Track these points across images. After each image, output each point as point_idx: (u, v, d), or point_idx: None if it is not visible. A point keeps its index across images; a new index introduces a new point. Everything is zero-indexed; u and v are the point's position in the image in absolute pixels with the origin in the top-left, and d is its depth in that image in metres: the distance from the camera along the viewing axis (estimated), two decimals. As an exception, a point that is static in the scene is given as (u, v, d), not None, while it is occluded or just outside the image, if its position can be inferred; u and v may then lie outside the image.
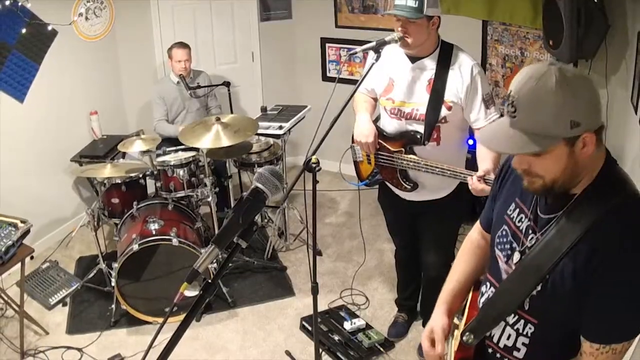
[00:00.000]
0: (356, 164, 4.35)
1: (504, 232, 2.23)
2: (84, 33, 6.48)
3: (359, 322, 4.95)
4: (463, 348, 2.25)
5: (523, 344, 2.13)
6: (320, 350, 4.54)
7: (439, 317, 2.40)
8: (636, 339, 2.05)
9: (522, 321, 2.11)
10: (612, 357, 1.92)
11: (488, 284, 2.30)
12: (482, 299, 2.32)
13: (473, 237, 2.65)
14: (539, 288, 2.00)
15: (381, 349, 4.72)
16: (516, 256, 2.12)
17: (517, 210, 2.18)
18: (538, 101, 1.78)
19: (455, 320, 2.43)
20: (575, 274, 1.90)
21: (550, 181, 1.90)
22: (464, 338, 2.20)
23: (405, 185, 4.06)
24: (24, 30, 5.69)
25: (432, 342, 2.36)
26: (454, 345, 2.29)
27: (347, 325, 4.91)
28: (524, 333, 2.11)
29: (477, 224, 2.62)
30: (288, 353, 4.77)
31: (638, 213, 1.90)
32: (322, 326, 4.94)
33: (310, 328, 4.94)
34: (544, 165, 1.88)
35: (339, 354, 4.65)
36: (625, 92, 4.31)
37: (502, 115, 1.96)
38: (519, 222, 2.16)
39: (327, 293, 5.50)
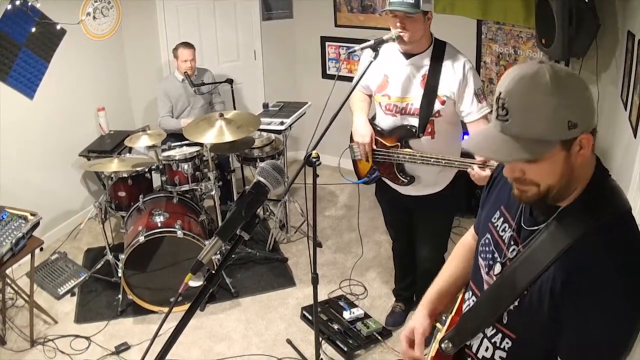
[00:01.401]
0: (354, 162, 4.34)
1: (487, 241, 2.09)
2: (92, 32, 6.47)
3: (357, 312, 4.95)
4: (441, 355, 2.14)
5: (500, 357, 1.98)
6: (320, 338, 4.55)
7: (421, 318, 2.28)
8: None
9: (499, 335, 1.97)
10: None
11: (470, 292, 2.17)
12: (465, 307, 2.20)
13: (466, 240, 2.50)
14: (516, 303, 1.85)
15: (379, 337, 4.72)
16: (497, 268, 1.98)
17: (502, 219, 2.04)
18: (532, 102, 1.62)
19: (438, 324, 2.33)
20: (553, 291, 1.73)
21: (545, 189, 1.73)
22: (442, 346, 2.10)
23: (402, 179, 4.06)
24: (33, 29, 5.69)
25: (411, 343, 2.24)
26: (432, 351, 2.20)
27: (346, 315, 4.91)
28: (501, 347, 1.97)
29: (471, 228, 2.46)
30: (289, 341, 4.77)
31: (625, 234, 1.73)
32: (322, 315, 4.94)
33: (310, 317, 4.94)
34: (540, 172, 1.71)
35: (338, 342, 4.65)
36: (615, 89, 4.31)
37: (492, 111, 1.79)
38: (502, 231, 2.02)
39: (327, 283, 5.50)
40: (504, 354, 1.98)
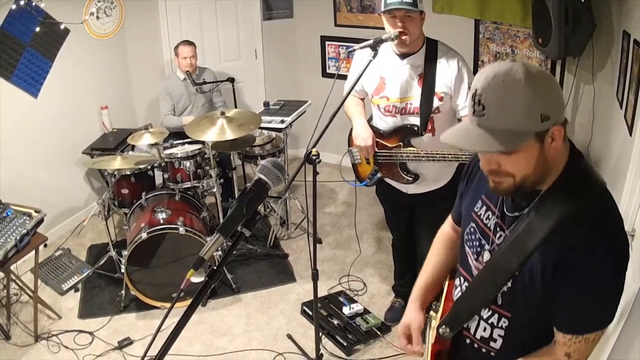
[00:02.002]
0: (354, 166, 4.34)
1: (472, 229, 2.16)
2: (95, 31, 6.47)
3: (357, 307, 4.95)
4: (440, 340, 2.19)
5: (499, 335, 2.07)
6: (320, 333, 4.56)
7: (414, 313, 2.36)
8: (610, 327, 2.01)
9: (496, 315, 2.06)
10: (584, 346, 1.87)
11: (462, 278, 2.23)
12: (456, 293, 2.26)
13: (445, 230, 2.58)
14: (509, 284, 1.95)
15: (378, 332, 4.72)
16: (486, 255, 2.06)
17: (484, 207, 2.11)
18: (508, 97, 1.69)
19: (432, 312, 2.37)
20: (545, 270, 1.84)
21: (520, 180, 1.82)
22: (440, 331, 2.15)
23: (407, 178, 4.05)
24: (37, 29, 5.69)
25: (409, 338, 2.32)
26: (431, 337, 2.23)
27: (346, 310, 4.92)
28: (499, 326, 2.06)
29: (449, 218, 2.56)
30: (290, 336, 4.78)
31: (604, 209, 1.84)
32: (322, 311, 4.94)
33: (310, 312, 4.94)
34: (515, 164, 1.79)
35: (338, 337, 4.66)
36: (611, 87, 4.30)
37: None
38: (486, 219, 2.09)
39: (327, 279, 5.50)
40: (502, 332, 2.06)
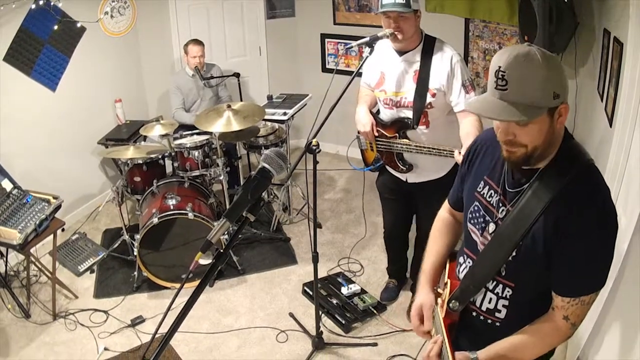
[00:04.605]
0: (362, 151, 4.34)
1: (475, 208, 2.23)
2: (109, 29, 6.44)
3: (354, 287, 4.95)
4: (450, 314, 2.25)
5: (503, 305, 2.14)
6: (320, 312, 4.56)
7: (426, 295, 2.37)
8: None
9: (500, 286, 2.12)
10: (580, 308, 1.96)
11: (465, 256, 2.30)
12: (462, 270, 2.30)
13: (443, 216, 2.62)
14: (514, 254, 2.02)
15: (374, 311, 4.72)
16: (491, 227, 2.13)
17: (487, 187, 2.18)
18: (528, 74, 1.78)
19: (439, 290, 2.41)
20: (546, 238, 1.93)
21: (531, 149, 1.90)
22: (450, 305, 2.22)
23: (402, 167, 4.05)
24: (55, 27, 5.68)
25: (421, 319, 2.35)
26: (441, 313, 2.27)
27: (344, 290, 4.92)
28: (504, 296, 2.13)
29: (446, 203, 2.60)
30: (291, 315, 4.78)
31: (595, 180, 1.93)
32: (322, 291, 4.95)
33: (311, 292, 4.94)
34: (529, 134, 1.88)
35: (336, 315, 4.66)
36: (593, 82, 4.30)
37: None
38: (489, 197, 2.16)
39: (326, 261, 5.50)
40: (506, 302, 2.15)
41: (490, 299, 2.17)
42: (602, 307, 3.09)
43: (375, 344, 4.41)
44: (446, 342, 2.13)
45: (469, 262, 2.26)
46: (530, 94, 1.79)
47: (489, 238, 2.12)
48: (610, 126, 3.55)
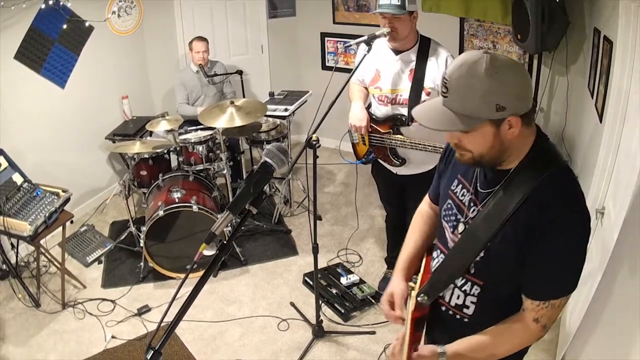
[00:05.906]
0: (353, 145, 4.34)
1: (449, 206, 2.18)
2: (117, 28, 6.44)
3: (353, 278, 4.96)
4: (419, 308, 2.19)
5: (472, 302, 2.10)
6: (320, 301, 4.56)
7: (397, 282, 2.34)
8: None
9: (469, 283, 2.08)
10: (551, 311, 1.90)
11: (438, 250, 2.26)
12: (434, 264, 2.27)
13: (423, 209, 2.58)
14: (482, 254, 1.97)
15: (372, 300, 4.73)
16: (461, 227, 2.08)
17: (460, 185, 2.14)
18: (467, 86, 1.74)
19: (411, 283, 2.36)
20: (516, 239, 1.86)
21: (478, 156, 1.87)
22: (419, 299, 2.16)
23: (395, 161, 4.06)
24: (65, 26, 5.67)
25: (391, 305, 2.32)
26: (411, 305, 2.22)
27: (343, 280, 4.92)
28: (472, 293, 2.08)
29: (426, 197, 2.57)
30: (292, 304, 4.79)
31: (567, 182, 1.86)
32: (322, 281, 4.95)
33: (311, 282, 4.95)
34: (472, 142, 1.85)
35: (336, 304, 4.67)
36: (583, 79, 4.30)
37: None
38: (462, 196, 2.12)
39: (326, 252, 5.50)
40: (474, 299, 2.09)
41: (459, 295, 2.13)
42: (590, 301, 3.08)
43: (373, 332, 4.42)
44: (407, 337, 2.12)
45: (441, 257, 2.22)
46: (468, 104, 1.75)
47: (459, 237, 2.08)
48: (601, 122, 3.56)
